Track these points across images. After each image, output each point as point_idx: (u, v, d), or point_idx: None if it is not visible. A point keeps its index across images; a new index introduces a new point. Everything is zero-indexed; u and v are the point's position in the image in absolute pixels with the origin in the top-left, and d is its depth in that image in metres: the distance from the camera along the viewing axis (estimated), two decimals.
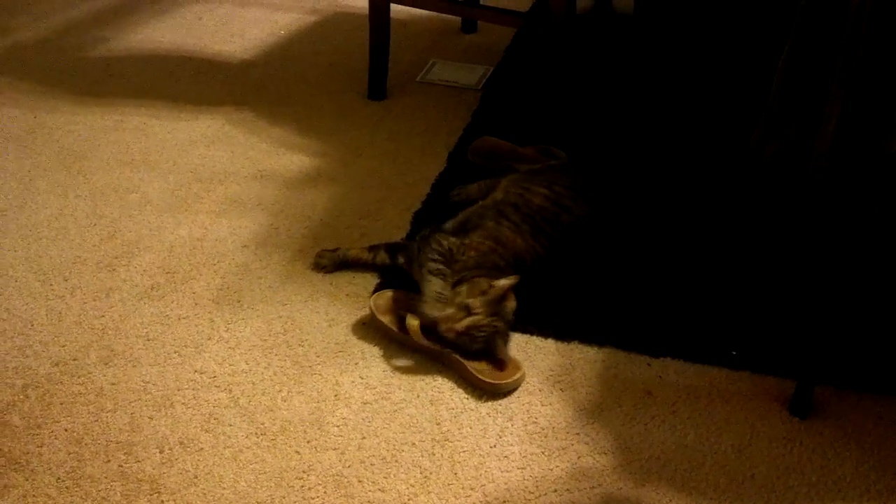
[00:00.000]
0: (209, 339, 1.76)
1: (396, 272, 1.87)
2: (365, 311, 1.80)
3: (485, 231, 1.81)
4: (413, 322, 1.70)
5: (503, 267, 1.75)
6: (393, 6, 2.43)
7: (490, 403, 1.63)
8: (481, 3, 2.78)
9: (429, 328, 1.69)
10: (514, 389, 1.64)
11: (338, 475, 1.50)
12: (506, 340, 1.70)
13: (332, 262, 1.90)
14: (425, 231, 1.85)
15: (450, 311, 1.66)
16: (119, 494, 1.48)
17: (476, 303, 1.66)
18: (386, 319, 1.75)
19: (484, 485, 1.49)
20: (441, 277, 1.73)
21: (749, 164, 1.63)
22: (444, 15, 2.81)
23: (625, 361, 1.70)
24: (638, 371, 1.68)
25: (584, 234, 1.89)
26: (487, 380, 1.64)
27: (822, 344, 1.58)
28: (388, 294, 1.81)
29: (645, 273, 1.88)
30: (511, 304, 1.71)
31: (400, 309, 1.77)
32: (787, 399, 1.60)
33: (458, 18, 2.88)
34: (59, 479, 1.50)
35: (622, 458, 1.53)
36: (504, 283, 1.67)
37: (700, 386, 1.65)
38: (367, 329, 1.77)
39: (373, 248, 1.89)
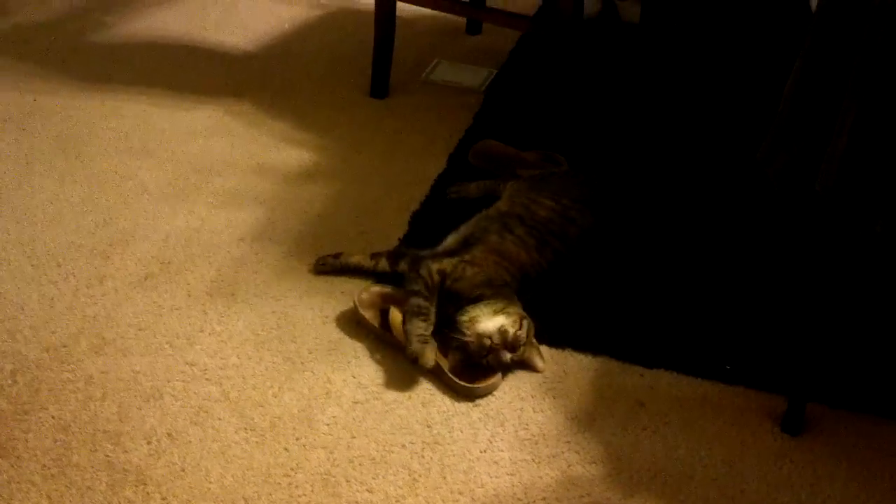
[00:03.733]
0: (201, 331, 1.75)
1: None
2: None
3: (487, 245, 1.80)
4: (396, 316, 1.69)
5: (510, 282, 1.74)
6: (399, 4, 2.42)
7: (481, 408, 1.62)
8: (487, 4, 2.77)
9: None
10: (488, 394, 1.63)
11: (326, 474, 1.49)
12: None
13: (332, 268, 1.88)
14: (419, 253, 1.81)
15: (510, 322, 1.63)
16: (104, 484, 1.47)
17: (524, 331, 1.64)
18: (369, 315, 1.75)
19: (473, 490, 1.48)
20: (422, 318, 1.68)
21: (753, 178, 1.62)
22: (449, 15, 2.80)
23: (618, 371, 1.70)
24: (631, 381, 1.68)
25: (588, 246, 1.88)
26: (462, 383, 1.63)
27: (815, 362, 1.57)
28: (374, 289, 1.80)
29: (641, 283, 1.87)
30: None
31: (385, 304, 1.76)
32: (780, 416, 1.60)
33: (464, 19, 2.87)
34: (44, 466, 1.49)
35: (612, 467, 1.52)
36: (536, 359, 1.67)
37: (693, 399, 1.65)
38: (361, 328, 1.76)
39: (375, 256, 1.86)
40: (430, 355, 1.64)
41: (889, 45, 1.25)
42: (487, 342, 1.61)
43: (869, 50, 1.28)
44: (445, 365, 1.65)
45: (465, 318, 1.65)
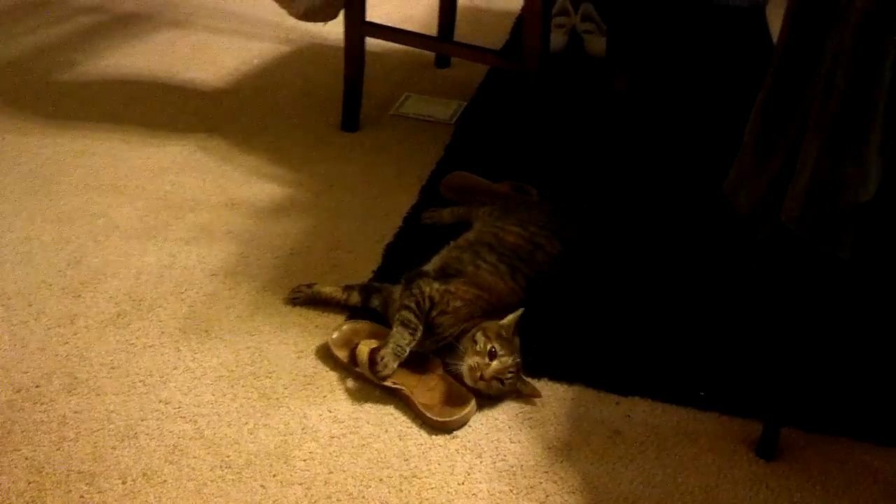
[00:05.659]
0: (175, 368, 1.74)
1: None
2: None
3: (466, 277, 1.80)
4: (363, 350, 1.69)
5: (491, 313, 1.75)
6: (368, 39, 2.44)
7: (459, 440, 1.62)
8: (455, 39, 2.80)
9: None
10: (463, 425, 1.63)
11: None
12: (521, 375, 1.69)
13: (306, 297, 1.89)
14: (410, 273, 1.82)
15: (475, 359, 1.64)
16: None
17: (498, 345, 1.65)
18: (342, 354, 1.74)
19: None
20: (410, 332, 1.70)
21: (722, 209, 1.65)
22: (418, 49, 2.83)
23: (594, 400, 1.71)
24: (607, 410, 1.69)
25: (558, 273, 1.90)
26: (435, 417, 1.63)
27: (789, 386, 1.59)
28: (346, 327, 1.80)
29: (616, 311, 1.89)
30: (517, 341, 1.71)
31: (359, 339, 1.76)
32: (755, 441, 1.61)
33: (433, 53, 2.90)
34: None
35: (590, 497, 1.52)
36: (513, 317, 1.69)
37: (668, 426, 1.66)
38: (337, 361, 1.76)
39: (347, 288, 1.87)
40: (391, 369, 1.67)
41: (848, 78, 1.28)
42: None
43: (829, 81, 1.31)
44: (418, 399, 1.65)
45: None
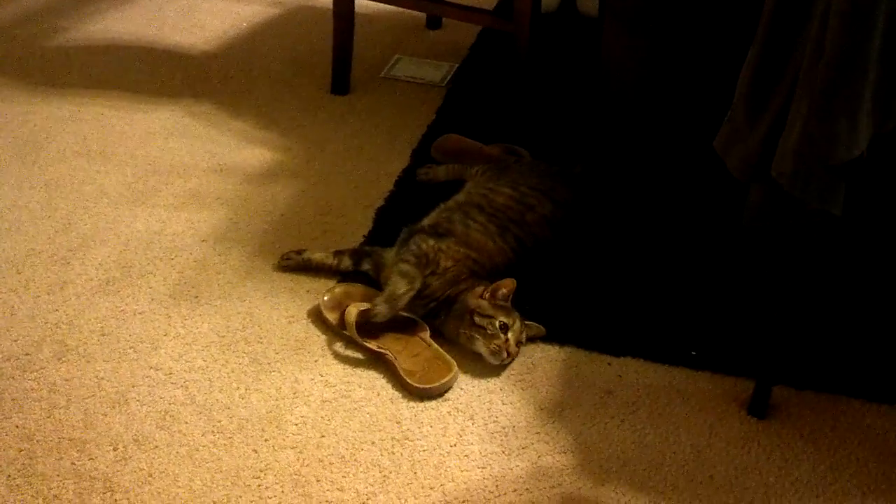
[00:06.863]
0: (165, 335, 1.73)
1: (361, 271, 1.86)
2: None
3: (456, 238, 1.80)
4: (351, 311, 1.68)
5: (479, 273, 1.75)
6: (357, 0, 2.40)
7: (451, 402, 1.62)
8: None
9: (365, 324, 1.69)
10: (446, 391, 1.63)
11: (296, 474, 1.48)
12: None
13: (296, 264, 1.88)
14: (404, 234, 1.83)
15: (494, 343, 1.64)
16: (71, 493, 1.45)
17: (503, 317, 1.66)
18: (333, 317, 1.74)
19: (443, 484, 1.48)
20: (408, 282, 1.70)
21: (713, 166, 1.63)
22: (408, 10, 2.79)
23: (585, 360, 1.70)
24: (598, 370, 1.68)
25: (550, 234, 1.89)
26: (415, 384, 1.62)
27: (781, 344, 1.59)
28: (338, 290, 1.80)
29: (606, 272, 1.88)
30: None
31: (350, 302, 1.75)
32: (746, 399, 1.61)
33: (423, 14, 2.86)
34: (9, 476, 1.47)
35: (582, 457, 1.52)
36: (508, 286, 1.69)
37: (660, 386, 1.66)
38: (327, 324, 1.75)
39: (338, 254, 1.86)
40: (383, 316, 1.68)
41: (839, 32, 1.26)
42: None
43: (820, 38, 1.29)
44: (401, 365, 1.65)
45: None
